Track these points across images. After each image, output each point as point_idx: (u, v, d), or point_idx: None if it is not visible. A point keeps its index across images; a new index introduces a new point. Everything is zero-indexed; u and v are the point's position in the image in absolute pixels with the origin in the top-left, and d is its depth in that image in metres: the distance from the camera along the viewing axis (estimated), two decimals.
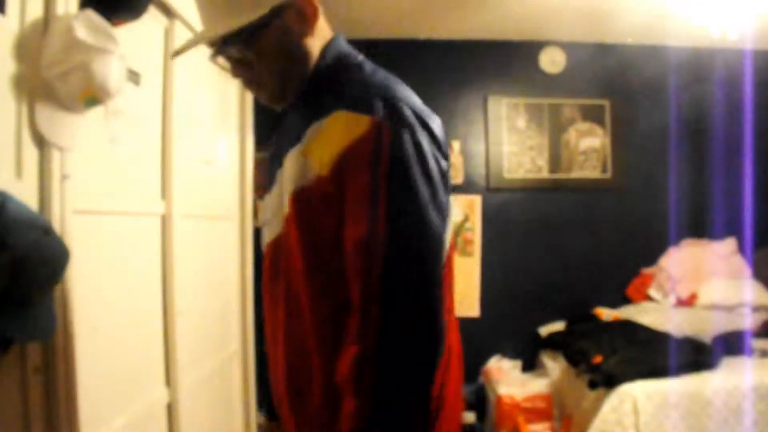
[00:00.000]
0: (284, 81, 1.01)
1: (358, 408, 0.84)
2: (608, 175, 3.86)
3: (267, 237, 1.10)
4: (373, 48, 3.92)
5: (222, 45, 0.97)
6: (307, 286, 0.95)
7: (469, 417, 3.41)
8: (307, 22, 1.00)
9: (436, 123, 0.98)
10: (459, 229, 3.67)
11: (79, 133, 1.29)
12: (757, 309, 3.28)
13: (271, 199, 1.09)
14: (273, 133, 1.18)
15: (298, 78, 1.01)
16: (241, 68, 1.00)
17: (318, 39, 1.04)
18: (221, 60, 1.04)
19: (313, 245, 0.93)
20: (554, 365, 3.24)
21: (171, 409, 1.87)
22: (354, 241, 0.87)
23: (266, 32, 0.96)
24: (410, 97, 0.96)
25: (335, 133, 0.90)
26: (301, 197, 0.93)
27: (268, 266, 1.09)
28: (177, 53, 1.03)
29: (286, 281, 1.00)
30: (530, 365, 3.57)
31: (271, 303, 1.08)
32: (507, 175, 3.79)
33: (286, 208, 0.98)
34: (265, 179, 1.16)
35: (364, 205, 0.87)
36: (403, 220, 0.87)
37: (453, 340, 1.01)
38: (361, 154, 0.87)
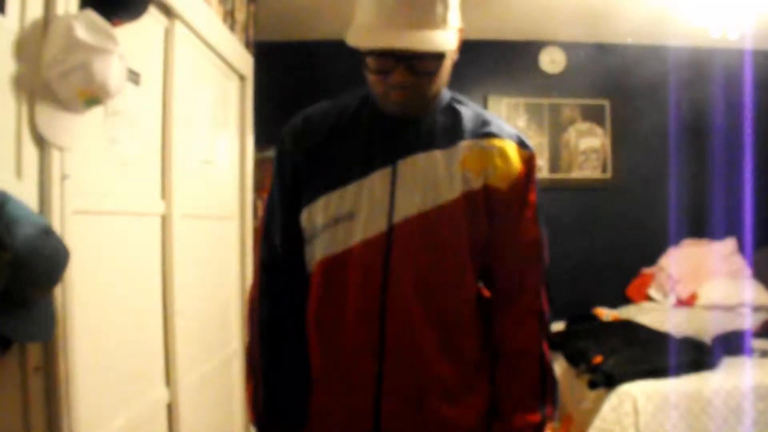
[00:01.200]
0: (436, 96, 1.13)
1: (546, 357, 1.25)
2: (608, 175, 3.86)
3: (363, 231, 1.09)
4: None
5: (422, 55, 1.02)
6: (469, 266, 1.13)
7: None
8: (458, 50, 1.12)
9: None
10: None
11: (79, 133, 1.29)
12: (757, 309, 3.28)
13: (369, 191, 1.10)
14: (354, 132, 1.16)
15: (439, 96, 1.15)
16: (416, 77, 1.04)
17: None
18: (372, 60, 1.05)
19: (473, 236, 1.12)
20: (554, 365, 3.24)
21: (171, 409, 1.87)
22: (536, 238, 1.17)
23: (451, 51, 1.08)
24: None
25: (512, 160, 1.14)
26: (469, 198, 1.11)
27: (371, 259, 1.09)
28: (379, 50, 1.02)
29: (437, 263, 1.10)
30: None
31: (374, 298, 1.09)
32: None
33: (430, 203, 1.09)
34: (336, 172, 1.13)
35: (536, 214, 1.17)
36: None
37: None
38: (531, 178, 1.16)
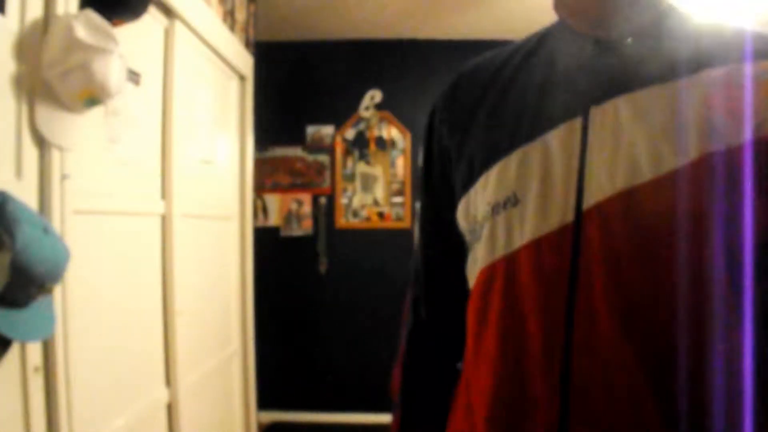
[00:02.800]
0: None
1: None
2: None
3: (533, 224, 0.68)
4: (373, 48, 3.92)
5: None
6: (724, 277, 0.64)
7: None
8: None
9: None
10: None
11: (79, 133, 1.29)
12: None
13: (542, 159, 0.69)
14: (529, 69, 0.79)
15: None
16: None
17: None
18: None
19: (731, 224, 0.64)
20: None
21: (171, 409, 1.87)
22: None
23: None
24: None
25: None
26: (721, 159, 0.64)
27: (547, 271, 0.67)
28: None
29: (662, 277, 0.64)
30: None
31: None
32: None
33: (647, 171, 0.64)
34: (496, 136, 0.74)
35: None
36: None
37: None
38: None
